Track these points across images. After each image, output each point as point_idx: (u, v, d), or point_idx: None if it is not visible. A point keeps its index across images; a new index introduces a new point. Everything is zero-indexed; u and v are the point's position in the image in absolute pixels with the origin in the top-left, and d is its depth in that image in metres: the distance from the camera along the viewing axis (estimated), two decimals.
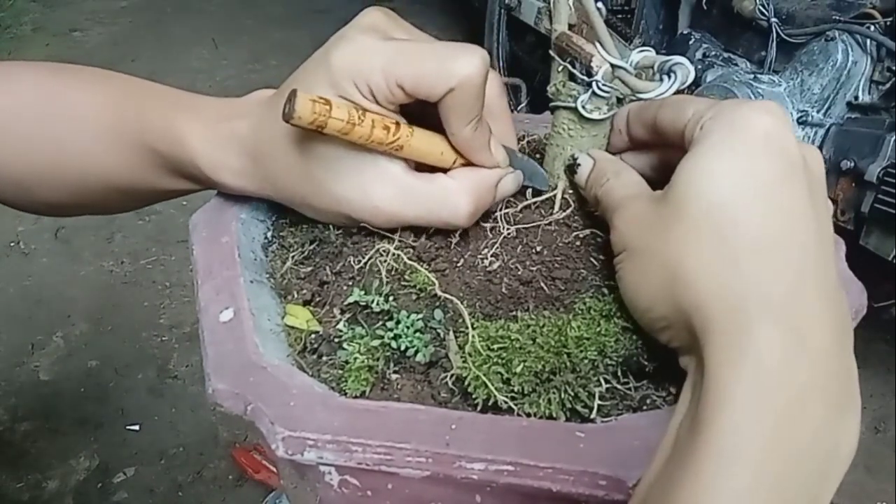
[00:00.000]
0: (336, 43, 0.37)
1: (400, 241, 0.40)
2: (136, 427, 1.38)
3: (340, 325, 0.38)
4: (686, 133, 0.33)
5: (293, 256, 0.43)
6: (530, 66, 1.95)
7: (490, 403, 0.34)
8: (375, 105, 0.37)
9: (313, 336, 0.38)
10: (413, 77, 0.35)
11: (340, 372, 0.35)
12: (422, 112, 0.39)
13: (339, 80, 0.36)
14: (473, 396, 0.34)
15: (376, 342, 0.36)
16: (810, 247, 0.28)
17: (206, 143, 0.42)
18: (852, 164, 1.13)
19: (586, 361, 0.34)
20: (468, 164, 0.40)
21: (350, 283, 0.40)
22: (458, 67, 0.35)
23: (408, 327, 0.36)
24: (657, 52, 0.37)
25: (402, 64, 0.35)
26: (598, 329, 0.35)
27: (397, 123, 0.37)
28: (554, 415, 0.33)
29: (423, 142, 0.38)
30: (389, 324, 0.37)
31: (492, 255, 0.40)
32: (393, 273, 0.39)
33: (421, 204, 0.38)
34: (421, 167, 0.40)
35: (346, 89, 0.36)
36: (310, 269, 0.42)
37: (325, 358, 0.37)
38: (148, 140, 0.43)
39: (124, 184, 0.46)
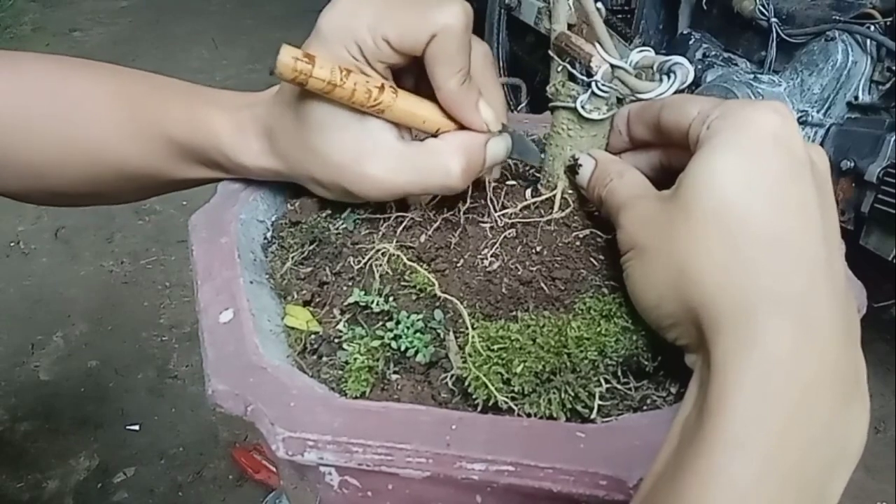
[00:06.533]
0: (326, 8, 0.38)
1: (400, 241, 0.40)
2: (136, 427, 1.38)
3: (340, 326, 0.38)
4: (691, 133, 0.33)
5: (293, 257, 0.43)
6: (530, 66, 1.95)
7: (490, 404, 0.34)
8: (366, 65, 0.38)
9: (313, 337, 0.38)
10: (396, 28, 0.37)
11: (340, 373, 0.35)
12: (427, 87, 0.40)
13: (329, 41, 0.38)
14: (474, 397, 0.34)
15: (376, 343, 0.36)
16: (818, 244, 0.28)
17: (230, 128, 0.43)
18: (852, 164, 1.13)
19: (586, 361, 0.34)
20: (455, 130, 0.41)
21: (350, 284, 0.40)
22: (438, 15, 0.36)
23: (408, 328, 0.36)
24: (657, 52, 0.37)
25: (386, 17, 0.37)
26: (598, 329, 0.35)
27: (381, 86, 0.38)
28: (554, 415, 0.33)
29: (407, 105, 0.39)
30: (389, 324, 0.37)
31: (491, 256, 0.40)
32: (393, 273, 0.39)
33: (413, 169, 0.39)
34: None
35: (336, 50, 0.38)
36: (309, 269, 0.42)
37: (325, 358, 0.37)
38: (167, 129, 0.44)
39: (139, 173, 0.47)
